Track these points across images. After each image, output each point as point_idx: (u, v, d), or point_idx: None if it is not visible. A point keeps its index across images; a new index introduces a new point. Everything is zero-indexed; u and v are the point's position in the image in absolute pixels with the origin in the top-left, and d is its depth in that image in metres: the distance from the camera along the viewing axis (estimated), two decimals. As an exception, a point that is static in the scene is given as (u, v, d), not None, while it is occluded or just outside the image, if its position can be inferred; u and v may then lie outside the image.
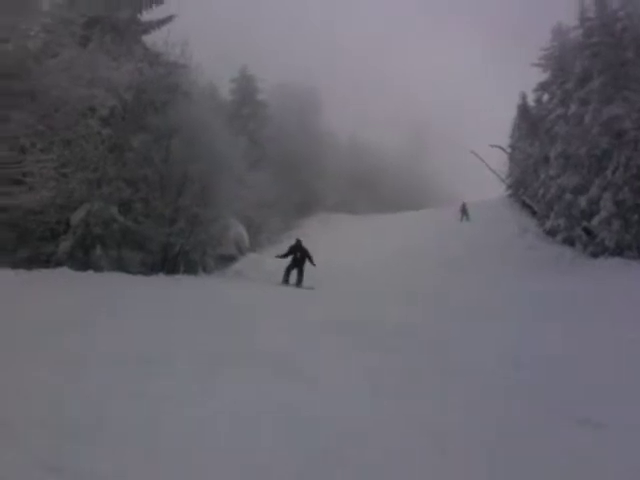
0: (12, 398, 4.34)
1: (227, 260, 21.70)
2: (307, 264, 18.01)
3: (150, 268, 16.85)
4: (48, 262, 14.77)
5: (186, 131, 18.88)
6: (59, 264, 14.53)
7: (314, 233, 31.74)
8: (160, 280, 15.03)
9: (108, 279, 12.91)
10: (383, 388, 5.17)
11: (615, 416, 4.24)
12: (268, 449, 3.69)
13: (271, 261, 22.91)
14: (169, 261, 18.01)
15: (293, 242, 18.72)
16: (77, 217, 15.57)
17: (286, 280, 17.36)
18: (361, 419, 4.28)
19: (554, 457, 3.55)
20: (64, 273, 12.74)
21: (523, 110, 32.87)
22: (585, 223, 22.26)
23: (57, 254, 15.23)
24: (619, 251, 20.02)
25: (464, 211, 33.15)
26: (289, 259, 18.05)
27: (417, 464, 3.44)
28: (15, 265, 13.61)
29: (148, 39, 21.32)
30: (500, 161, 37.23)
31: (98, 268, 14.86)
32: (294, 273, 17.86)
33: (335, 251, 24.39)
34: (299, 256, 17.84)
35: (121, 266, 15.88)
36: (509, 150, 36.01)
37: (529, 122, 31.35)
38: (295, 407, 4.54)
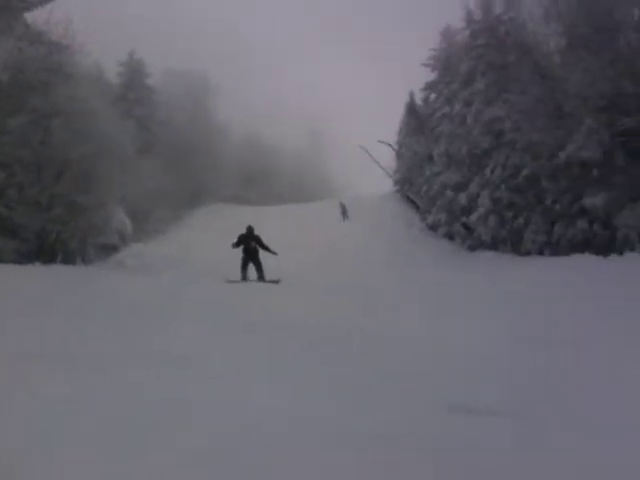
0: None
1: (109, 250, 20.90)
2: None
3: (25, 257, 15.91)
4: None
5: (68, 113, 18.00)
6: None
7: (204, 224, 31.26)
8: (36, 270, 14.20)
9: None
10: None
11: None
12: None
13: (158, 251, 22.33)
14: (45, 250, 17.07)
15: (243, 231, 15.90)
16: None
17: (244, 277, 15.04)
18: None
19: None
20: None
21: (410, 108, 33.91)
22: (464, 219, 23.28)
23: None
24: (494, 245, 21.11)
25: (344, 211, 33.03)
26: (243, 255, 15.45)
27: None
28: None
29: (29, 17, 20.23)
30: (389, 157, 38.31)
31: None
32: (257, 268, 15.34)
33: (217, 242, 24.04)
34: (252, 246, 15.45)
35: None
36: (397, 147, 37.07)
37: (416, 120, 32.39)
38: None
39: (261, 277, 15.03)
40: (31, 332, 6.16)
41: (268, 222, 29.12)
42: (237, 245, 15.58)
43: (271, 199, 42.21)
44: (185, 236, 26.79)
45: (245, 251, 15.47)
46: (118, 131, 22.44)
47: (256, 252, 15.39)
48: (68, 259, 17.18)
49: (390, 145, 37.53)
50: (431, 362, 5.54)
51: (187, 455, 3.02)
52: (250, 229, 15.92)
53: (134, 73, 34.76)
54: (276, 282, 14.24)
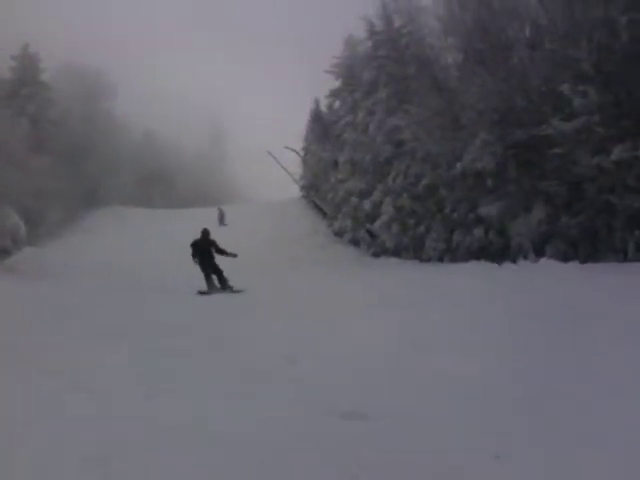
0: None
1: (1, 253, 19.61)
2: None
3: None
4: None
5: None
6: None
7: (102, 227, 30.14)
8: None
9: None
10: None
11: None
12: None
13: (53, 256, 21.21)
14: None
15: (198, 236, 14.37)
16: None
17: (211, 287, 13.40)
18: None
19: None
20: None
21: (316, 115, 34.16)
22: (368, 225, 23.70)
23: None
24: (397, 252, 21.59)
25: (221, 217, 32.74)
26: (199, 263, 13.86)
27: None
28: None
29: None
30: (296, 163, 38.43)
31: None
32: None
33: (123, 245, 23.27)
34: (209, 252, 13.87)
35: None
36: (302, 153, 37.25)
37: (321, 127, 32.67)
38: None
39: (226, 286, 13.40)
40: None
41: (165, 226, 28.59)
42: (195, 256, 13.79)
43: (173, 202, 41.34)
44: (81, 240, 25.73)
45: (203, 259, 13.73)
46: (9, 129, 21.34)
47: (213, 259, 13.87)
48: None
49: (296, 151, 37.68)
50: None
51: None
52: (205, 233, 14.30)
53: (27, 68, 32.99)
54: (240, 292, 12.95)
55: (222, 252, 14.00)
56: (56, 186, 26.53)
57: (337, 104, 31.78)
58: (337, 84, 31.24)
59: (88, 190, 34.41)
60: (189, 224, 29.63)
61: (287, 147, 38.02)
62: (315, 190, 33.79)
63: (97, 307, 10.50)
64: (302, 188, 37.55)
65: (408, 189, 21.24)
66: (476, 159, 17.29)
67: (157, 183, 44.92)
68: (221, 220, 32.28)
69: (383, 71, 24.30)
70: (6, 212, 20.22)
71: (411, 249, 21.06)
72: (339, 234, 26.85)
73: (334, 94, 31.72)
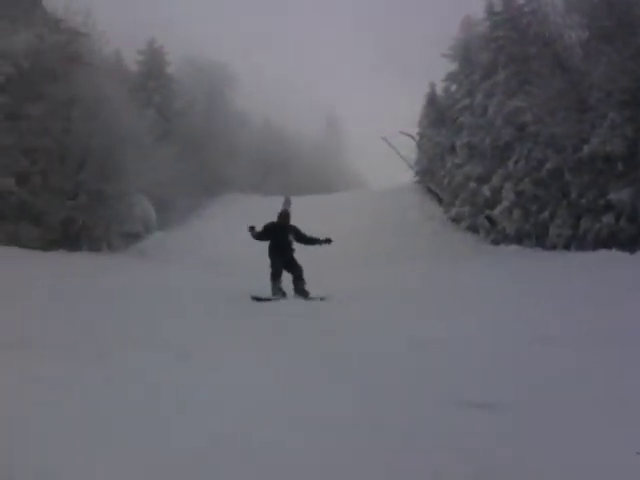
0: None
1: (133, 238, 20.96)
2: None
3: (50, 243, 16.05)
4: None
5: (87, 102, 18.10)
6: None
7: (222, 213, 31.25)
8: (57, 256, 14.36)
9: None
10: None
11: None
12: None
13: (179, 241, 22.31)
14: (70, 237, 17.20)
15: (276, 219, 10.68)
16: (-31, 188, 14.59)
17: (277, 291, 9.76)
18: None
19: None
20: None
21: (431, 99, 33.58)
22: (488, 212, 23.09)
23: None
24: (518, 239, 20.92)
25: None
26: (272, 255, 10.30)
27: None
28: None
29: (49, 3, 20.25)
30: (409, 148, 38.01)
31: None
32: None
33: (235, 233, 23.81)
34: (287, 242, 10.26)
35: (18, 241, 15.02)
36: (417, 138, 36.79)
37: (437, 111, 32.10)
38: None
39: (302, 290, 9.88)
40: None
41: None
42: (260, 236, 10.36)
43: (289, 189, 42.14)
44: (205, 226, 26.79)
45: (275, 250, 10.22)
46: (137, 120, 22.59)
47: (291, 251, 10.28)
48: (93, 247, 17.29)
49: (411, 136, 37.22)
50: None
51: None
52: (284, 216, 10.55)
53: (154, 62, 34.68)
54: (322, 299, 9.44)
55: (311, 240, 10.44)
56: (181, 175, 27.90)
57: (453, 87, 31.10)
58: (453, 67, 30.63)
59: (210, 178, 35.77)
60: (305, 212, 30.28)
61: (402, 132, 37.65)
62: (430, 175, 33.26)
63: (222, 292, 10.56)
64: (417, 173, 37.09)
65: (530, 174, 20.48)
66: (605, 142, 16.47)
67: (274, 171, 45.99)
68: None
69: (502, 52, 23.52)
70: (138, 199, 21.52)
71: (533, 236, 20.32)
72: (456, 220, 26.32)
73: (451, 77, 31.06)
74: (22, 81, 16.89)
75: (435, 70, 32.35)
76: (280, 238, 10.17)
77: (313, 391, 4.14)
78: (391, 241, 23.50)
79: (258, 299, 9.31)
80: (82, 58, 18.98)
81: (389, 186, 39.52)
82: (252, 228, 10.31)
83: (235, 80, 42.71)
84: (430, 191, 32.89)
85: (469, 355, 5.43)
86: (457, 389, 4.25)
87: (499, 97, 23.04)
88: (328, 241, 10.39)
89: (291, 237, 10.26)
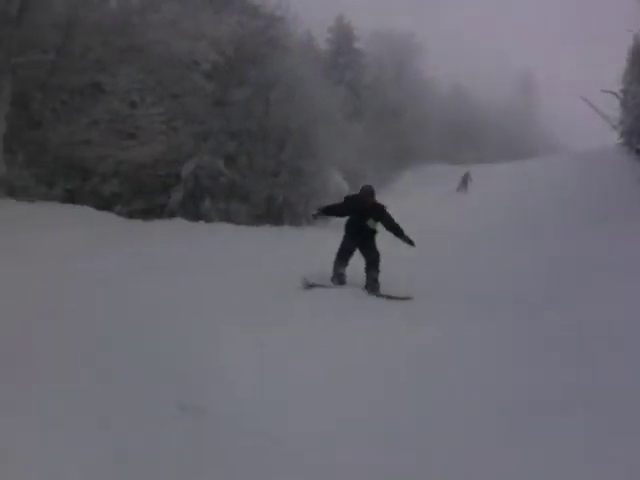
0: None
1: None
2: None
3: (255, 219, 17.23)
4: (162, 213, 15.41)
5: (285, 84, 18.97)
6: (172, 215, 15.16)
7: (411, 185, 31.19)
8: (267, 231, 15.38)
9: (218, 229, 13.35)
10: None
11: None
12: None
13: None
14: (273, 213, 18.33)
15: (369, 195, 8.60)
16: (187, 170, 16.06)
17: (338, 275, 8.27)
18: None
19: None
20: (180, 223, 13.37)
21: (636, 53, 30.54)
22: None
23: (169, 205, 15.84)
24: None
25: (465, 181, 29.31)
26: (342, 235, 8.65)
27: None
28: (131, 215, 14.36)
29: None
30: (611, 107, 34.96)
31: (208, 219, 15.46)
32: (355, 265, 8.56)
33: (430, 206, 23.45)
34: (368, 224, 8.32)
35: (229, 217, 16.34)
36: (621, 96, 33.71)
37: (644, 64, 29.17)
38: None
39: (373, 281, 8.17)
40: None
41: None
42: (329, 210, 8.87)
43: (481, 157, 40.93)
44: (395, 200, 26.85)
45: (351, 229, 8.52)
46: (330, 98, 23.25)
47: (372, 234, 8.43)
48: (294, 222, 18.25)
49: (615, 94, 34.19)
50: None
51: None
52: (367, 191, 8.44)
53: (343, 38, 35.35)
54: (407, 299, 7.73)
55: (396, 230, 8.30)
56: (371, 148, 28.33)
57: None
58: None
59: (400, 150, 35.88)
60: (499, 180, 29.10)
61: (605, 90, 34.70)
62: (638, 136, 30.38)
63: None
64: (622, 134, 34.07)
65: None
66: None
67: (464, 139, 44.90)
68: (462, 186, 29.21)
69: None
70: (332, 175, 22.22)
71: None
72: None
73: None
74: (227, 68, 18.08)
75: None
76: (357, 216, 8.42)
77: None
78: (598, 207, 21.82)
79: (311, 285, 7.82)
80: (279, 41, 19.87)
81: (590, 149, 36.77)
82: (320, 208, 8.98)
83: (423, 49, 42.28)
84: (638, 152, 30.08)
85: None
86: None
87: None
88: (410, 243, 8.26)
89: (371, 221, 8.28)
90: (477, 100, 48.52)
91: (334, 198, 22.45)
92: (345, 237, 8.49)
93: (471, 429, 3.66)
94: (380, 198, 8.87)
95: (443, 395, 4.24)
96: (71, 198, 13.80)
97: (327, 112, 21.25)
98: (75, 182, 14.33)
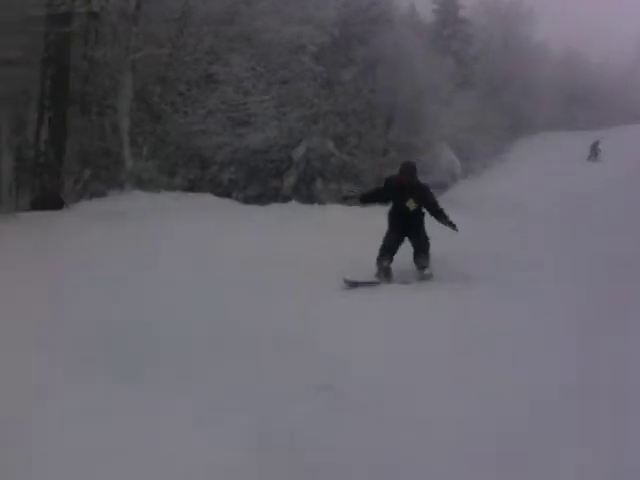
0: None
1: (439, 188, 21.31)
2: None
3: (366, 199, 17.31)
4: (276, 197, 15.86)
5: (390, 59, 18.84)
6: (286, 198, 15.56)
7: (525, 155, 29.88)
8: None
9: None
10: None
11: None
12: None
13: (483, 189, 21.86)
14: (383, 192, 18.36)
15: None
16: (298, 153, 16.41)
17: (383, 268, 7.21)
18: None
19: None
20: (294, 207, 13.65)
21: None
22: None
23: (283, 189, 16.28)
24: None
25: (593, 151, 27.56)
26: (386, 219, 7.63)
27: None
28: (246, 201, 14.90)
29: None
30: None
31: (321, 201, 15.69)
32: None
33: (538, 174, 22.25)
34: (413, 207, 7.26)
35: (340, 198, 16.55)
36: None
37: None
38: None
39: (423, 263, 7.25)
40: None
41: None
42: (367, 197, 7.86)
43: (601, 123, 38.60)
44: (509, 172, 25.89)
45: (396, 215, 7.46)
46: (437, 70, 22.81)
47: (420, 218, 7.41)
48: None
49: None
50: None
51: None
52: (409, 169, 7.35)
53: (448, 8, 34.41)
54: (428, 277, 7.24)
55: (439, 215, 7.27)
56: (482, 119, 27.50)
57: None
58: None
59: (511, 119, 34.60)
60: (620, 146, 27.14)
61: None
62: None
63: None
64: None
65: None
66: None
67: (581, 104, 42.51)
68: (592, 155, 27.54)
69: None
70: (442, 148, 21.85)
71: None
72: None
73: None
74: (334, 49, 18.21)
75: None
76: (399, 200, 7.31)
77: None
78: None
79: (353, 284, 6.92)
80: (383, 17, 19.77)
81: None
82: (360, 195, 8.03)
83: (531, 15, 40.37)
84: None
85: None
86: None
87: None
88: (453, 227, 7.21)
89: (411, 202, 7.21)
90: (592, 64, 45.72)
91: (445, 174, 22.22)
92: (391, 224, 7.46)
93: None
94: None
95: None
96: (192, 187, 14.50)
97: (434, 85, 20.90)
98: (195, 171, 15.05)
